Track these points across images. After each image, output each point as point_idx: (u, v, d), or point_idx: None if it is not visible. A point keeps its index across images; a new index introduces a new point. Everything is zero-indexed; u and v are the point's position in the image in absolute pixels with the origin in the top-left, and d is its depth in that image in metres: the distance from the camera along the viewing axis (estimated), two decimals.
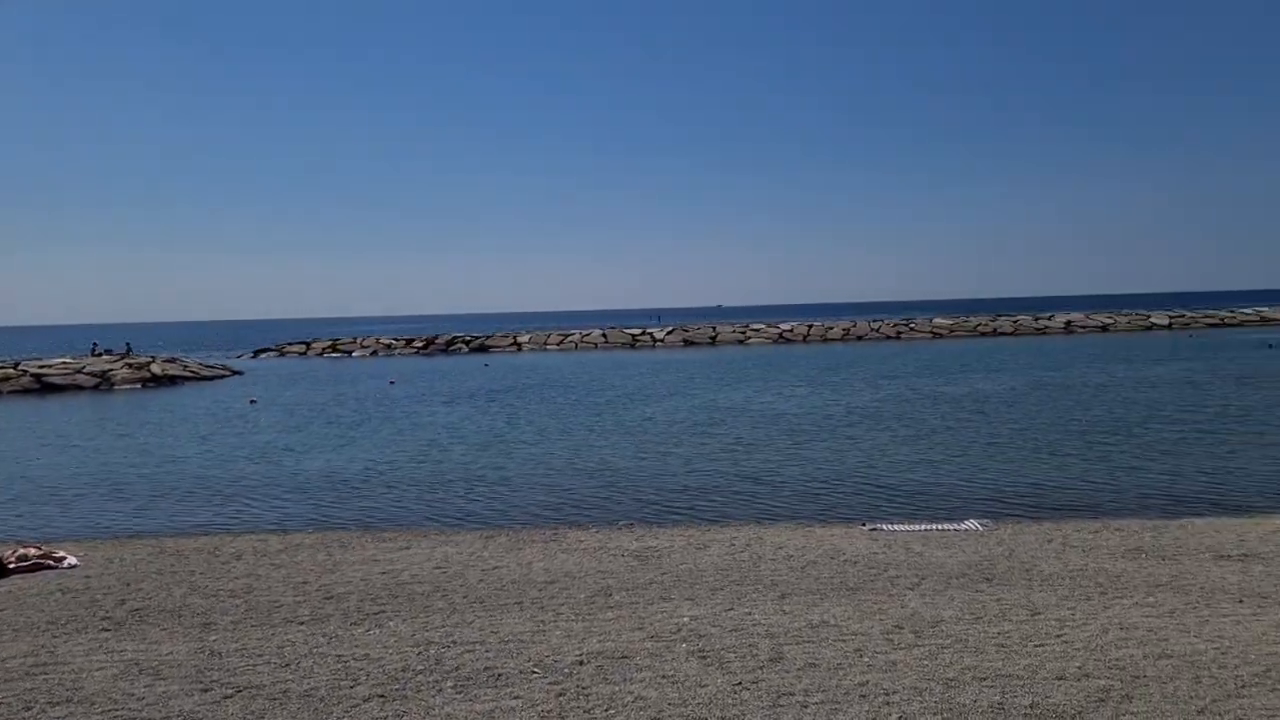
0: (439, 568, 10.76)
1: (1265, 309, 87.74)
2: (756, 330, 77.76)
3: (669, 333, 77.05)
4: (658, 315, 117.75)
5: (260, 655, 7.26)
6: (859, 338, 73.99)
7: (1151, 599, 8.48)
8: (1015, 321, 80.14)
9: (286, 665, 6.96)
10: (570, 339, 75.95)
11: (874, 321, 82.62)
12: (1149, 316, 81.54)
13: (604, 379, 42.46)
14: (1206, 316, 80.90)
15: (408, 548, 12.14)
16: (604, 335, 76.75)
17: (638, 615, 8.27)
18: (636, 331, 78.44)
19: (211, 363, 57.94)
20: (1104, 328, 76.70)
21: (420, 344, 75.02)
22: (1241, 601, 8.31)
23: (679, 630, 7.68)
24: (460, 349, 73.67)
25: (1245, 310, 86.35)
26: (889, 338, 73.77)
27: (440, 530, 13.92)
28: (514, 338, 77.51)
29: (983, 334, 74.79)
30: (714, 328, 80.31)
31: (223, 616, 8.77)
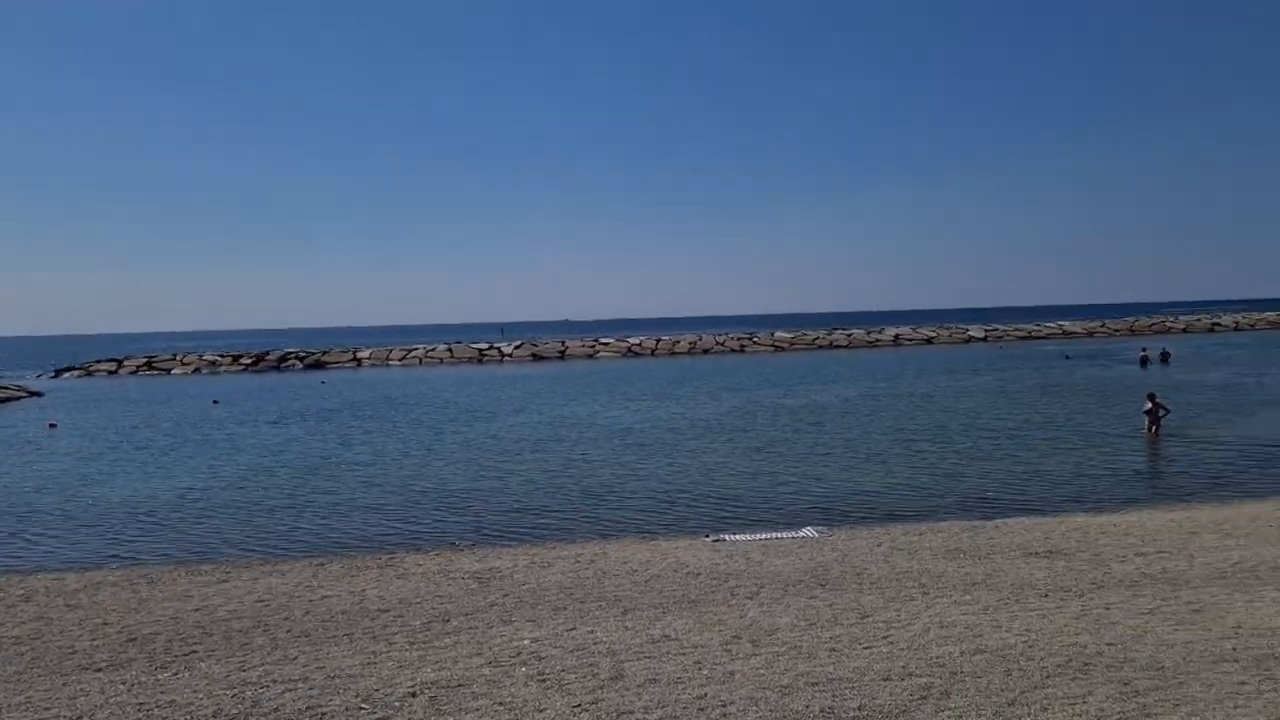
0: (261, 601, 10.06)
1: (1066, 323, 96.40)
2: (606, 344, 78.26)
3: (517, 347, 76.34)
4: (501, 329, 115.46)
5: (47, 709, 6.50)
6: (705, 351, 75.80)
7: (969, 597, 8.98)
8: (849, 335, 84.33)
9: (78, 718, 6.26)
10: (414, 354, 73.91)
11: (719, 335, 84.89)
12: (967, 330, 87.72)
13: (447, 396, 41.46)
14: (1017, 330, 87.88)
15: (226, 581, 11.30)
16: (449, 350, 75.20)
17: (476, 640, 7.99)
18: (484, 346, 77.26)
19: (4, 383, 52.55)
20: (928, 341, 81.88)
21: (249, 360, 70.95)
22: (1047, 596, 8.92)
23: (519, 654, 7.46)
24: (294, 365, 70.15)
25: (1049, 324, 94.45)
26: (733, 351, 75.95)
27: (264, 560, 13.06)
28: (353, 353, 74.59)
29: (820, 347, 78.25)
30: (563, 342, 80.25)
31: (4, 667, 7.83)
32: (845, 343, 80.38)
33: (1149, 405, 22.59)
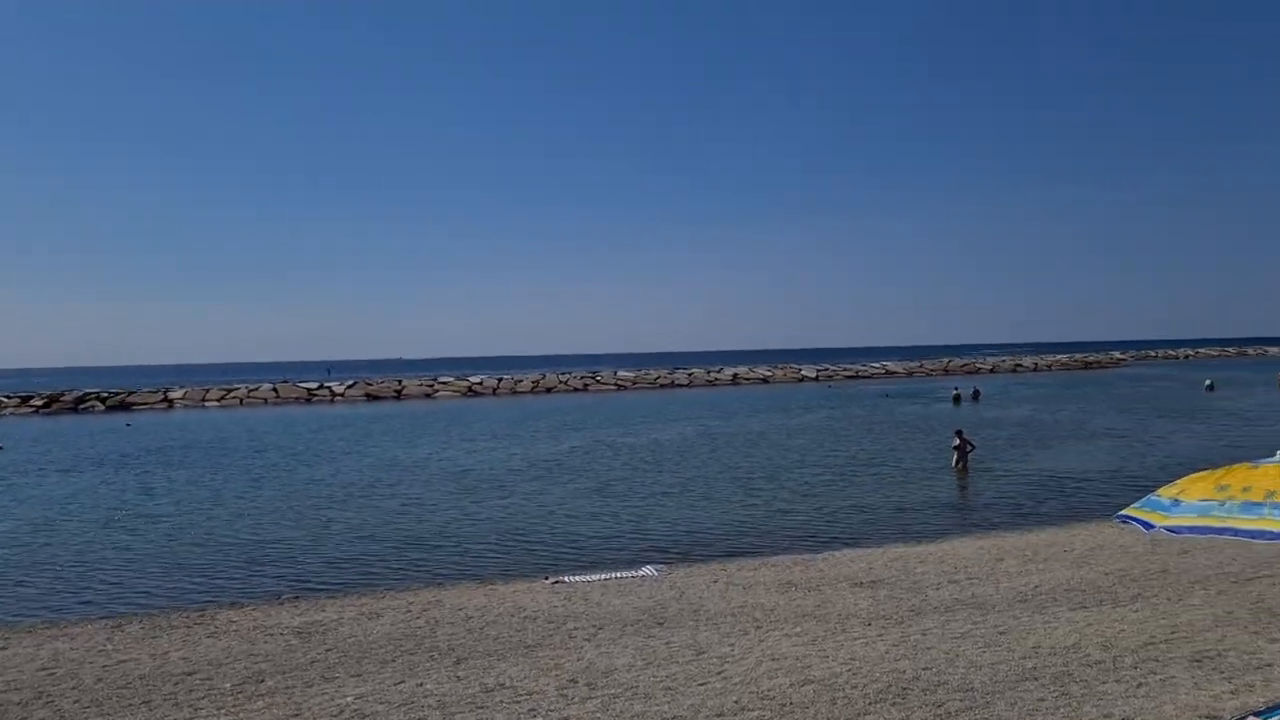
0: (45, 669, 9.02)
1: (889, 363, 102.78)
2: (445, 383, 76.55)
3: (349, 387, 73.31)
4: (328, 368, 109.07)
5: None
6: (548, 390, 75.54)
7: (799, 629, 9.23)
8: (690, 374, 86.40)
9: None
10: (234, 395, 69.47)
11: (563, 374, 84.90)
12: (800, 370, 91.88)
13: (270, 439, 39.11)
14: (845, 370, 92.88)
15: (4, 647, 10.08)
16: (275, 390, 71.21)
17: (294, 701, 7.45)
18: (313, 386, 73.73)
19: None
20: (765, 380, 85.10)
21: (40, 402, 64.62)
22: (870, 624, 9.30)
23: (341, 712, 7.02)
24: (94, 407, 64.42)
25: (874, 365, 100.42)
26: (576, 390, 76.09)
27: (51, 623, 11.74)
28: (164, 393, 69.38)
29: (662, 386, 79.68)
30: (400, 381, 77.82)
31: None
32: (686, 382, 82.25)
33: (957, 441, 24.22)
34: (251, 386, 73.37)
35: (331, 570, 14.73)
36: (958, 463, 23.68)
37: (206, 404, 67.05)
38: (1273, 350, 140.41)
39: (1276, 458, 4.98)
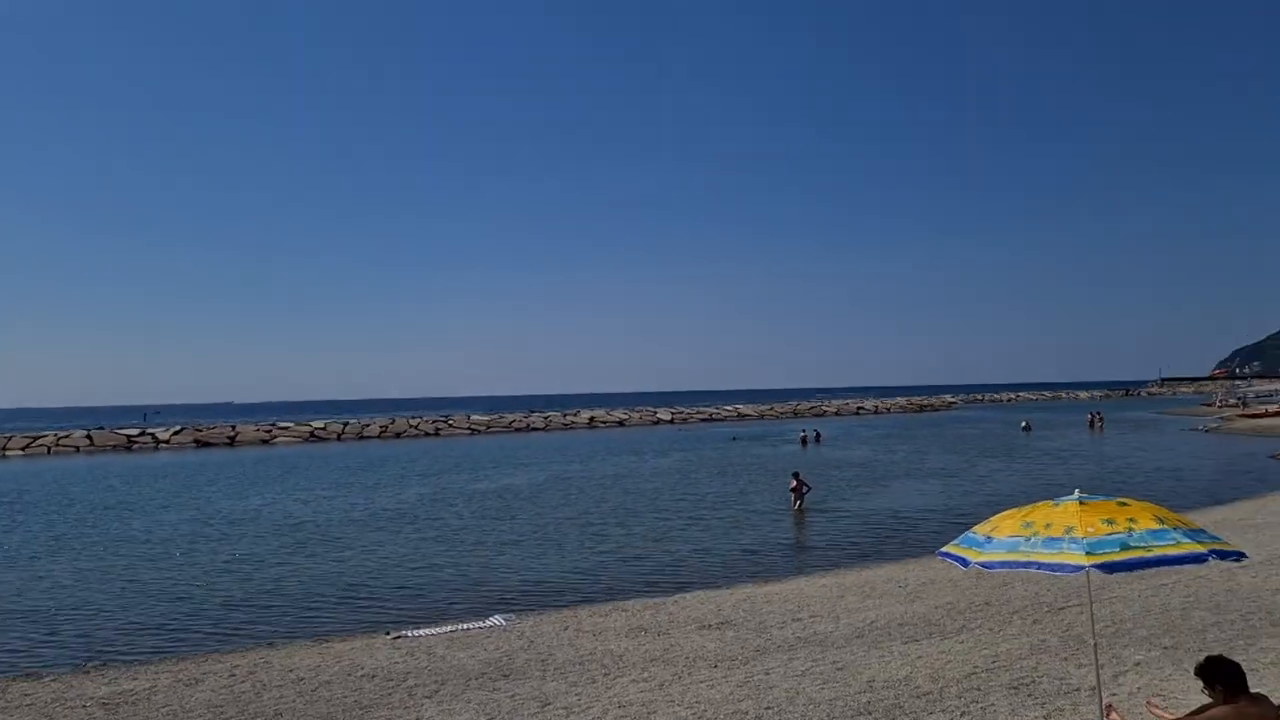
0: None
1: (741, 406, 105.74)
2: (285, 428, 72.76)
3: (176, 433, 68.39)
4: (144, 413, 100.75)
5: None
6: (397, 435, 73.13)
7: (647, 674, 9.21)
8: (546, 418, 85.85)
9: None
10: (41, 443, 63.29)
11: (413, 419, 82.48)
12: (656, 413, 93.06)
13: (77, 491, 35.87)
14: (699, 413, 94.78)
15: None
16: (89, 438, 65.40)
17: None
18: (133, 432, 68.35)
19: None
20: (621, 423, 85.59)
21: None
22: (716, 666, 9.40)
23: None
24: None
25: (728, 408, 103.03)
26: (428, 434, 74.01)
27: None
28: None
29: (517, 430, 78.72)
30: (233, 427, 73.37)
31: None
32: (542, 426, 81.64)
33: (794, 483, 25.02)
34: (61, 434, 67.00)
35: (146, 635, 13.52)
36: (796, 504, 24.45)
37: (8, 453, 60.66)
38: (1083, 395, 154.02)
39: (1075, 496, 5.40)
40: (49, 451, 61.78)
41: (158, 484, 38.20)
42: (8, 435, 66.75)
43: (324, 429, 72.79)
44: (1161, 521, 4.88)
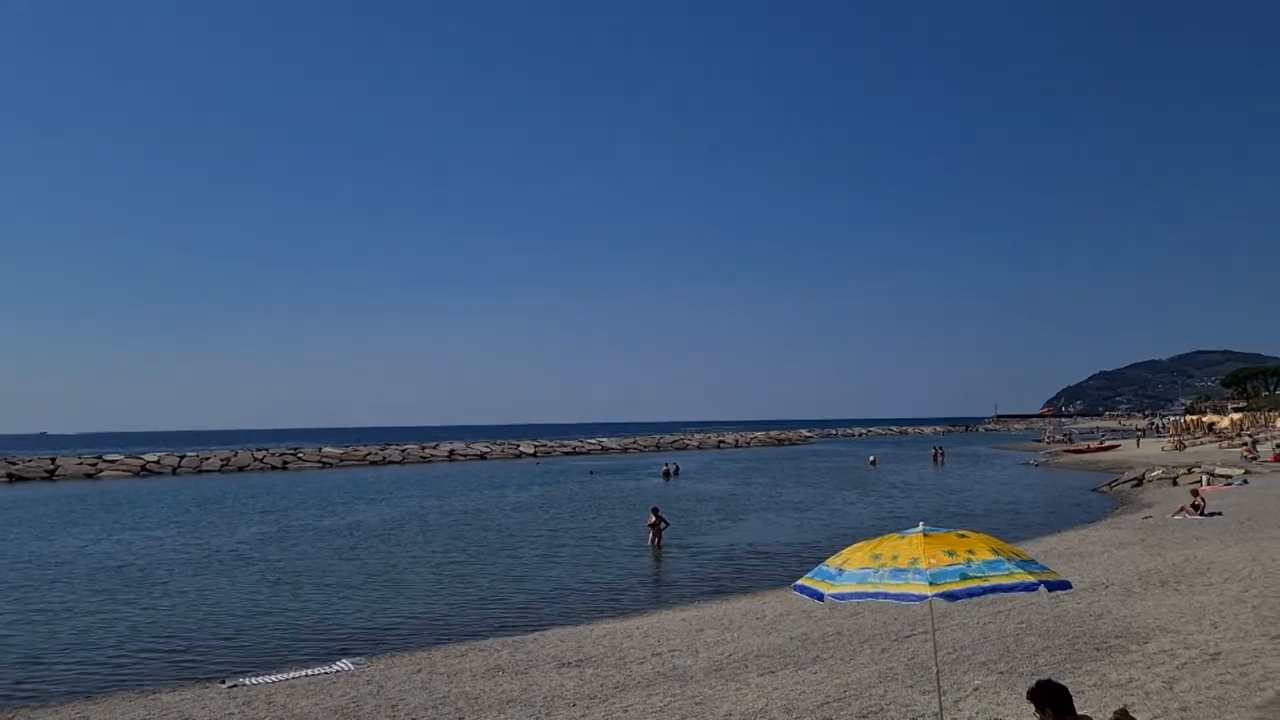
0: None
1: (605, 439, 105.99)
2: (112, 461, 67.44)
3: None
4: None
5: None
6: (240, 468, 69.07)
7: (503, 716, 8.95)
8: (403, 450, 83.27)
9: None
10: None
11: (257, 451, 78.23)
12: (518, 446, 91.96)
13: None
14: (562, 446, 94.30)
15: None
16: None
17: None
18: None
19: None
20: (482, 456, 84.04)
21: None
22: (575, 705, 9.25)
23: None
24: None
25: (591, 441, 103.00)
26: (274, 468, 70.29)
27: None
28: None
29: (373, 463, 75.92)
30: (52, 459, 67.44)
31: None
32: (399, 458, 79.14)
33: (652, 519, 25.15)
34: None
35: None
36: (654, 539, 24.54)
37: None
38: (927, 430, 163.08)
39: (920, 528, 5.66)
40: None
41: None
42: None
43: (157, 462, 67.92)
44: (997, 553, 5.19)
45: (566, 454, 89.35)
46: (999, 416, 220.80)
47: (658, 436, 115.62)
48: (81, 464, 65.52)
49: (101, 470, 64.60)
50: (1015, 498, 37.73)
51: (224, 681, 11.69)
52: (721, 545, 24.81)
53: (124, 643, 14.72)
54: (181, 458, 70.22)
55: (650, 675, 10.53)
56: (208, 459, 70.32)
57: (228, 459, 71.11)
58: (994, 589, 4.97)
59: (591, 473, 59.99)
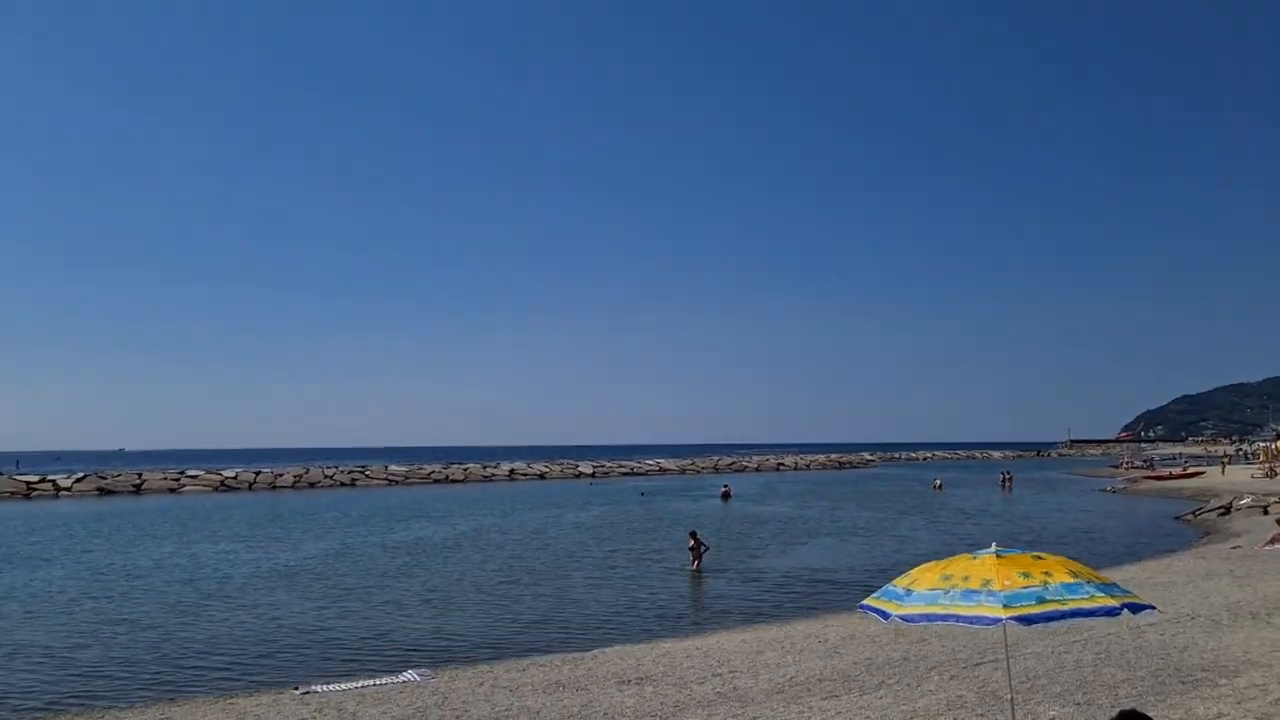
0: None
1: (663, 460, 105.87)
2: (194, 477, 69.76)
3: (79, 480, 64.96)
4: (17, 460, 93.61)
5: None
6: (311, 484, 70.79)
7: None
8: (465, 469, 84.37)
9: None
10: None
11: (328, 469, 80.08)
12: (577, 466, 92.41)
13: None
14: (620, 466, 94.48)
15: None
16: None
17: None
18: (33, 479, 64.66)
19: None
20: (541, 475, 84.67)
21: None
22: None
23: None
24: None
25: (648, 462, 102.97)
26: (343, 485, 71.91)
27: None
28: None
29: (436, 481, 77.08)
30: (140, 474, 70.05)
31: None
32: (462, 477, 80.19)
33: (691, 542, 24.56)
34: None
35: (44, 688, 12.73)
36: (693, 563, 24.05)
37: None
38: (995, 454, 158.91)
39: (992, 549, 5.53)
40: None
41: (47, 535, 36.11)
42: None
43: (235, 478, 70.02)
44: (1075, 575, 5.04)
45: (624, 474, 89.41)
46: (1072, 441, 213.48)
47: (715, 458, 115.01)
48: (165, 479, 67.92)
49: (184, 485, 66.89)
50: (1091, 525, 36.50)
51: (297, 688, 11.98)
52: (781, 568, 24.52)
53: (202, 650, 15.19)
54: (257, 474, 72.29)
55: (710, 695, 10.46)
56: (281, 475, 72.23)
57: (299, 475, 72.95)
58: (1073, 613, 4.82)
59: (642, 494, 59.70)
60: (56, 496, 60.40)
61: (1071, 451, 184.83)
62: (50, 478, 65.42)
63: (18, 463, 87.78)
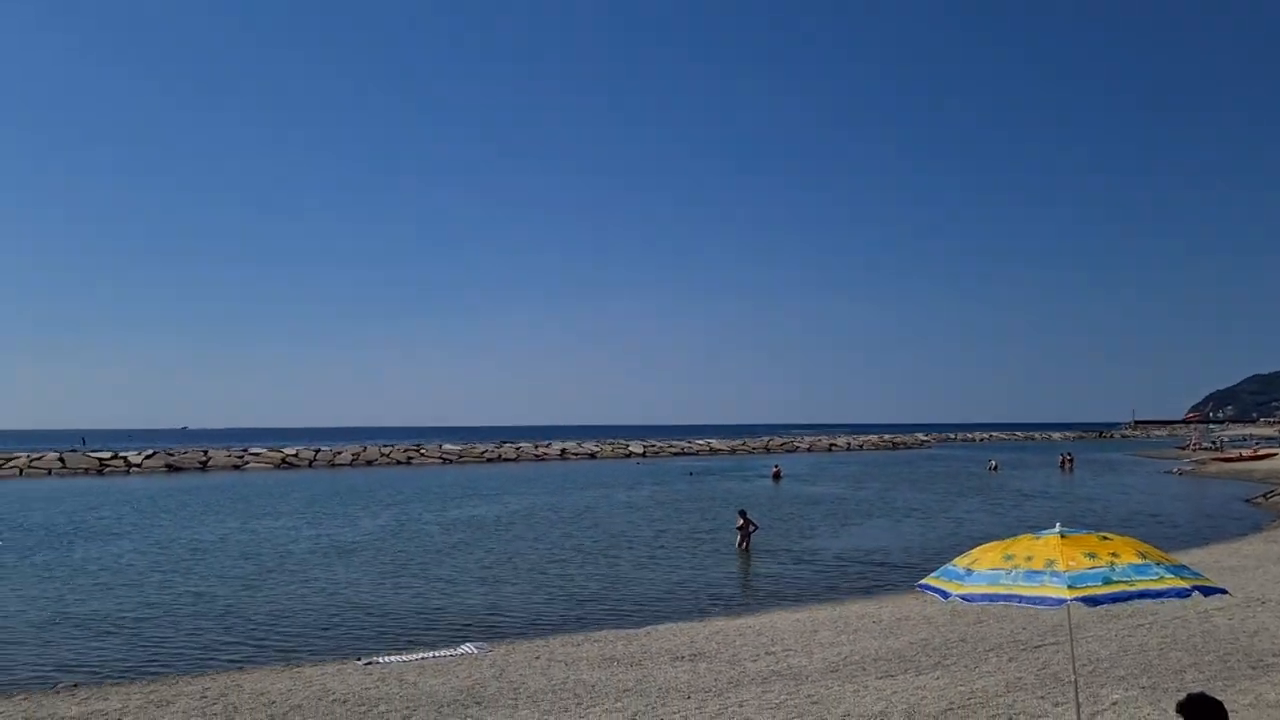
0: None
1: (714, 440, 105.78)
2: (256, 455, 71.81)
3: (149, 457, 67.37)
4: (83, 437, 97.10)
5: None
6: (369, 463, 72.39)
7: (619, 704, 9.11)
8: (518, 449, 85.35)
9: None
10: (13, 464, 62.17)
11: (384, 447, 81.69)
12: (627, 446, 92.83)
13: (38, 518, 35.20)
14: (671, 447, 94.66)
15: None
16: (61, 460, 64.25)
17: None
18: (106, 456, 67.18)
19: None
20: (592, 455, 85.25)
21: None
22: (689, 698, 9.32)
23: None
24: None
25: (699, 442, 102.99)
26: (399, 463, 73.35)
27: None
28: None
29: (490, 460, 78.15)
30: (205, 452, 72.30)
31: None
32: (514, 456, 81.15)
33: (740, 522, 24.29)
34: (34, 456, 65.88)
35: (118, 655, 13.30)
36: (742, 543, 23.84)
37: None
38: (1055, 435, 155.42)
39: (1055, 529, 5.45)
40: (20, 473, 60.55)
41: (120, 509, 37.56)
42: None
43: (296, 455, 71.92)
44: (1144, 556, 4.94)
45: (675, 455, 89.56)
46: (1137, 422, 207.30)
47: (766, 438, 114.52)
48: (230, 456, 70.10)
49: (247, 462, 68.96)
50: (1158, 508, 35.56)
51: (360, 659, 12.33)
52: (834, 549, 24.41)
53: (265, 622, 15.69)
54: (316, 451, 74.16)
55: (764, 673, 10.50)
56: (339, 453, 73.97)
57: (357, 454, 74.62)
58: (1141, 594, 4.72)
59: (690, 474, 59.70)
60: (128, 473, 62.69)
61: (1136, 433, 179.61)
62: (122, 454, 67.89)
63: (83, 440, 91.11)
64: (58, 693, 10.95)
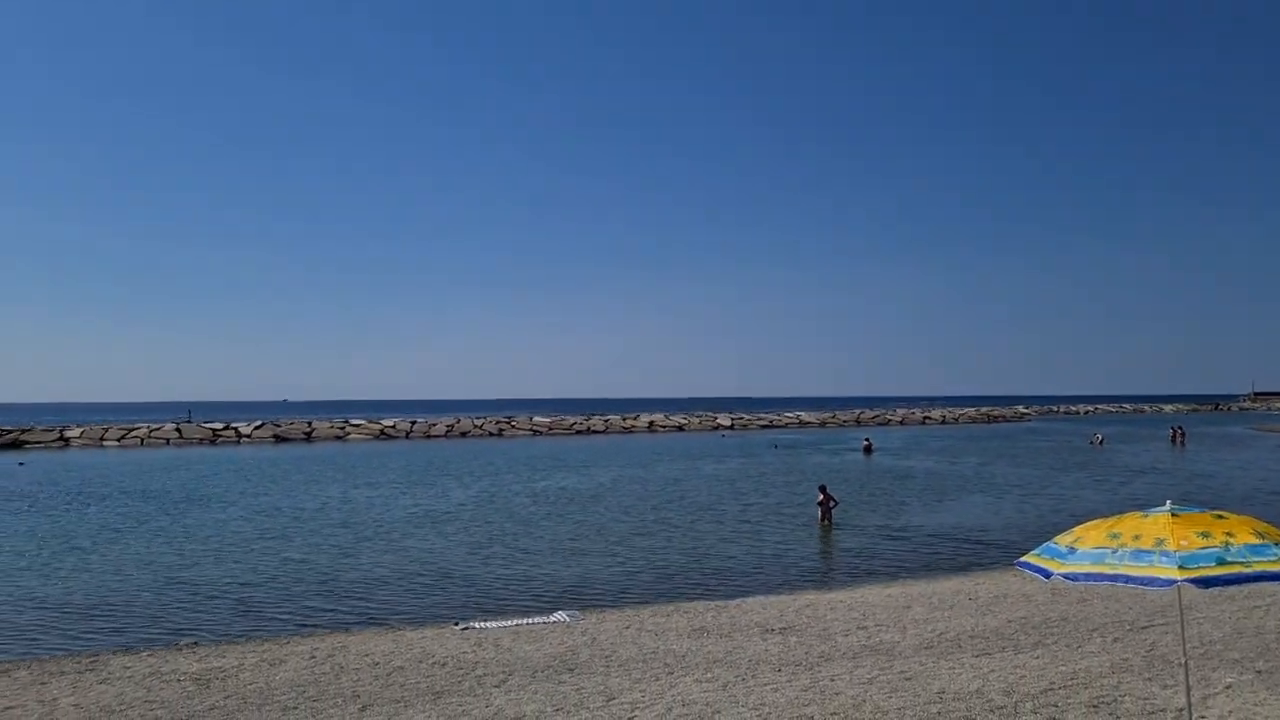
0: None
1: (803, 413, 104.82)
2: (357, 426, 74.62)
3: (258, 428, 70.82)
4: (189, 411, 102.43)
5: None
6: (462, 434, 74.38)
7: (710, 674, 9.20)
8: (606, 421, 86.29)
9: None
10: (135, 434, 66.36)
11: (477, 419, 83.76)
12: (715, 418, 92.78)
13: (161, 484, 37.44)
14: (759, 419, 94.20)
15: None
16: (178, 430, 68.17)
17: None
18: (218, 426, 70.92)
19: None
20: (680, 428, 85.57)
21: None
22: (780, 670, 9.34)
23: None
24: None
25: (788, 414, 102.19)
26: (491, 435, 75.12)
27: None
28: (60, 432, 65.97)
29: (579, 432, 79.30)
30: (309, 423, 75.51)
31: None
32: (603, 428, 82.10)
33: (820, 497, 23.87)
34: (154, 426, 70.23)
35: (232, 616, 14.12)
36: (823, 519, 23.43)
37: (105, 443, 64.03)
38: (1167, 408, 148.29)
39: (1166, 507, 5.22)
40: (142, 443, 64.61)
41: (235, 476, 39.67)
42: (104, 426, 70.33)
43: (393, 427, 74.48)
44: (1262, 537, 4.69)
45: (764, 427, 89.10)
46: (1256, 394, 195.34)
47: (857, 410, 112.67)
48: (332, 427, 73.13)
49: (348, 433, 71.83)
50: (1279, 485, 33.66)
51: (457, 624, 12.78)
52: (927, 525, 23.94)
53: (364, 587, 16.38)
54: (413, 423, 76.59)
55: (855, 647, 10.43)
56: (434, 425, 76.21)
57: (451, 425, 76.75)
58: (1258, 577, 4.48)
59: (775, 446, 59.23)
60: (238, 442, 66.15)
61: (1256, 405, 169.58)
62: (233, 425, 71.55)
63: (190, 412, 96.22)
64: (179, 650, 11.72)
